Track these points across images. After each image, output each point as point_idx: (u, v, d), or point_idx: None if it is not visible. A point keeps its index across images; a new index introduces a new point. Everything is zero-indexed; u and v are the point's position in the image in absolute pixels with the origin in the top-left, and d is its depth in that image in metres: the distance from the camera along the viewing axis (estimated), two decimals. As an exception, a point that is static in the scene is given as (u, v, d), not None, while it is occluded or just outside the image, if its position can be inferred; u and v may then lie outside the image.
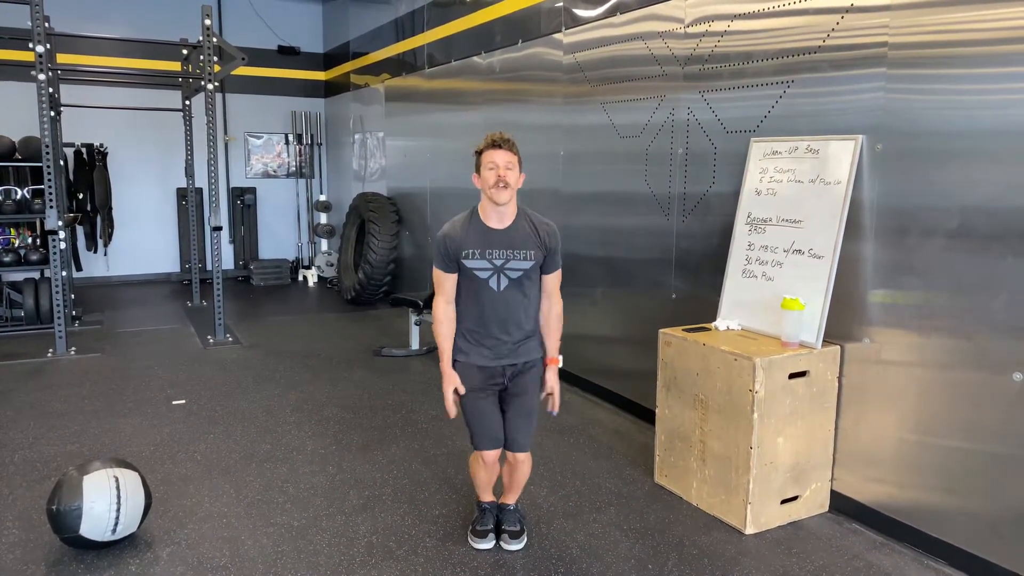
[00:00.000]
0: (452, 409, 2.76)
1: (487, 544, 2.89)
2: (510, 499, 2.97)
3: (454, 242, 2.67)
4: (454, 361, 2.78)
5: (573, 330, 4.83)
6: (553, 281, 2.78)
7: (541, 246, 2.70)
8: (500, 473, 2.92)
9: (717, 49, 3.69)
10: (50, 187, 5.57)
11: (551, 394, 2.83)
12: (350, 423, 4.27)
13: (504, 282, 2.67)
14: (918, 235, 2.81)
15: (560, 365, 2.87)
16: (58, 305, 5.65)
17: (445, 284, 2.73)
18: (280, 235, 10.08)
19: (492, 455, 2.79)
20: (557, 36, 4.93)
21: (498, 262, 2.66)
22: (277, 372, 5.31)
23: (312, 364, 5.54)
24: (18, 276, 6.95)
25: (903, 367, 2.89)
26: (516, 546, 2.88)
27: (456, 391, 2.74)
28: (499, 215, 2.67)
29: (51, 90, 5.96)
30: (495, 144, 2.62)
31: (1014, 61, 2.50)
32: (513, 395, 2.79)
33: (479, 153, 2.66)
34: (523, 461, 2.85)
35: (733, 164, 3.62)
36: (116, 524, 2.75)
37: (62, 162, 7.21)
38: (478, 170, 2.67)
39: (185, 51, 7.37)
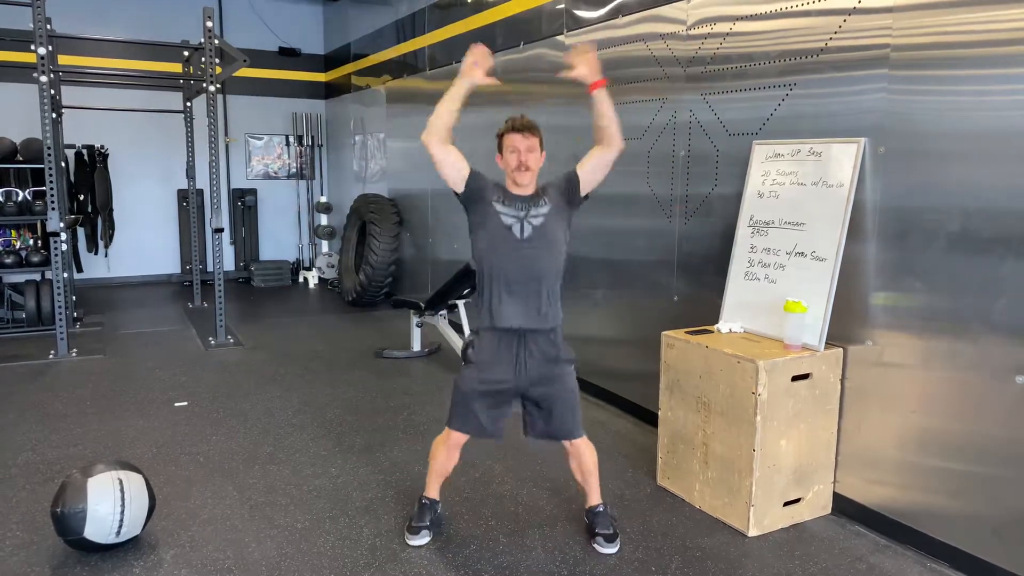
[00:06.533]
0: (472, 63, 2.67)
1: (420, 540, 2.89)
2: (595, 498, 2.98)
3: (486, 181, 2.76)
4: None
5: (575, 332, 4.82)
6: (593, 153, 2.80)
7: (558, 189, 2.80)
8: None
9: (720, 51, 3.70)
10: (52, 189, 5.57)
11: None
12: (352, 425, 4.27)
13: (528, 230, 2.72)
14: (920, 237, 2.82)
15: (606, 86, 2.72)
16: (59, 307, 5.66)
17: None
18: (281, 236, 10.08)
19: (463, 438, 2.86)
20: (559, 38, 4.94)
21: (521, 213, 2.73)
22: (279, 374, 5.31)
23: (313, 366, 5.54)
24: (19, 278, 6.94)
25: (905, 369, 2.90)
26: (611, 549, 2.86)
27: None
28: (522, 187, 2.79)
29: (52, 92, 5.96)
30: (515, 129, 2.73)
31: (1016, 63, 2.51)
32: (547, 389, 2.77)
33: (500, 136, 2.77)
34: (583, 446, 2.89)
35: (735, 166, 3.62)
36: (120, 526, 2.75)
37: (63, 164, 7.21)
38: (500, 152, 2.78)
39: (186, 53, 7.37)
